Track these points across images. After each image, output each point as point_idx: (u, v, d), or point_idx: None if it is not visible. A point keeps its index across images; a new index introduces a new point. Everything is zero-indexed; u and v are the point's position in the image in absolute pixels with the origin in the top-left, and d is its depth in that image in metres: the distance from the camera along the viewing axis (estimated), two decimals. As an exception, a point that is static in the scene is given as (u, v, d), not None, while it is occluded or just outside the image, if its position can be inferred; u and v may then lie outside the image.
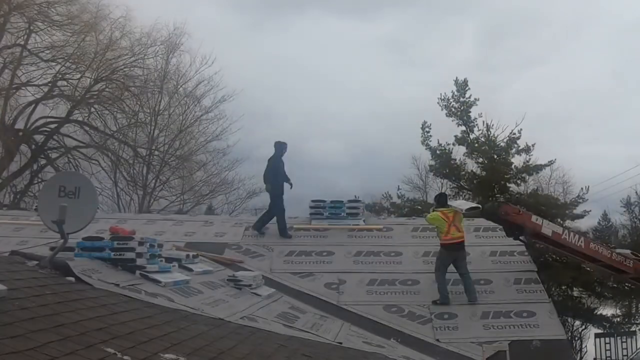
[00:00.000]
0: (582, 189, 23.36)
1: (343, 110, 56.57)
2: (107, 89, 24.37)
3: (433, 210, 10.69)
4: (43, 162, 24.57)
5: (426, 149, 23.97)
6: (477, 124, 23.53)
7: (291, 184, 12.12)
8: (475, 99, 23.41)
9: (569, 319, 24.90)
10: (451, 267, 10.03)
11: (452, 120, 23.76)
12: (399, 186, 27.93)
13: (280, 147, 12.16)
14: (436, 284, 9.93)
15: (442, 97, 23.78)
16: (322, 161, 53.40)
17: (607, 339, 22.71)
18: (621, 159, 60.26)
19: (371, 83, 59.20)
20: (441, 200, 10.96)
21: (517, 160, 23.35)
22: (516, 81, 58.80)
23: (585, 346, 27.37)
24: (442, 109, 23.82)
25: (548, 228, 10.70)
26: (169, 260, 8.06)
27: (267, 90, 54.78)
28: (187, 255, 8.80)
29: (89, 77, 23.84)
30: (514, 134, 22.92)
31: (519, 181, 23.56)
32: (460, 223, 10.22)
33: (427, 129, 23.80)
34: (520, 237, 10.94)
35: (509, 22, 62.71)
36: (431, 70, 60.87)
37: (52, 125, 24.55)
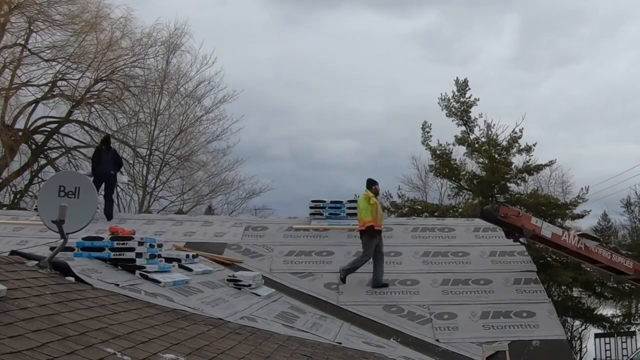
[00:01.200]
0: (582, 189, 23.41)
1: (364, 108, 56.10)
2: (107, 89, 24.39)
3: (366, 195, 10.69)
4: (43, 162, 24.59)
5: (426, 149, 24.01)
6: (477, 124, 23.57)
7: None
8: (475, 99, 23.46)
9: (569, 319, 24.94)
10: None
11: (452, 121, 23.81)
12: (399, 186, 27.97)
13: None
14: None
15: (443, 97, 23.82)
16: (336, 160, 53.11)
17: (607, 339, 22.75)
18: (632, 159, 60.44)
19: (398, 79, 59.02)
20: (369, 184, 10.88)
21: (517, 160, 23.39)
22: (549, 78, 58.96)
23: (585, 346, 27.41)
24: (442, 109, 23.87)
25: (547, 230, 10.70)
26: (168, 260, 8.07)
27: (287, 85, 54.69)
28: (187, 255, 8.80)
29: (89, 77, 23.88)
30: (515, 133, 22.95)
31: (519, 181, 23.59)
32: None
33: (427, 129, 23.83)
34: (520, 239, 10.94)
35: (549, 17, 62.24)
36: (464, 67, 60.43)
37: (52, 125, 24.56)
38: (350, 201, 12.93)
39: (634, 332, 23.09)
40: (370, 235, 10.17)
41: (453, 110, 23.69)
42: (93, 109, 24.37)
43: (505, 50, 60.05)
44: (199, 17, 48.77)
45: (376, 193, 10.74)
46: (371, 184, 10.77)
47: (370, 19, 61.93)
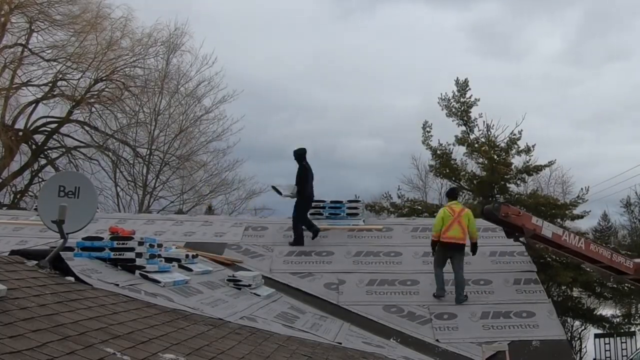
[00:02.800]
0: (582, 189, 23.42)
1: (398, 104, 55.68)
2: (107, 89, 24.42)
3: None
4: (43, 162, 24.62)
5: (426, 148, 24.01)
6: (477, 124, 23.57)
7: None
8: (475, 99, 23.46)
9: (569, 319, 24.94)
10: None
11: (453, 121, 23.82)
12: (399, 186, 27.99)
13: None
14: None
15: (443, 97, 23.83)
16: (355, 159, 52.42)
17: (607, 339, 22.74)
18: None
19: (440, 74, 57.65)
20: (452, 194, 11.12)
21: (517, 161, 23.40)
22: (599, 75, 58.87)
23: (585, 346, 27.41)
24: (442, 109, 23.87)
25: (548, 229, 10.70)
26: (168, 260, 8.07)
27: (320, 80, 54.22)
28: (187, 256, 8.80)
29: (89, 77, 23.92)
30: (514, 134, 22.96)
31: (518, 181, 23.60)
32: (466, 221, 9.98)
33: (427, 129, 23.84)
34: (520, 239, 10.94)
35: (611, 12, 61.58)
36: (516, 63, 59.82)
37: (53, 125, 24.58)
38: (350, 201, 12.92)
39: (634, 332, 23.11)
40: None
41: (453, 110, 23.69)
42: (93, 109, 24.42)
43: (559, 45, 59.67)
44: (241, 8, 48.60)
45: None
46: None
47: (424, 11, 61.66)
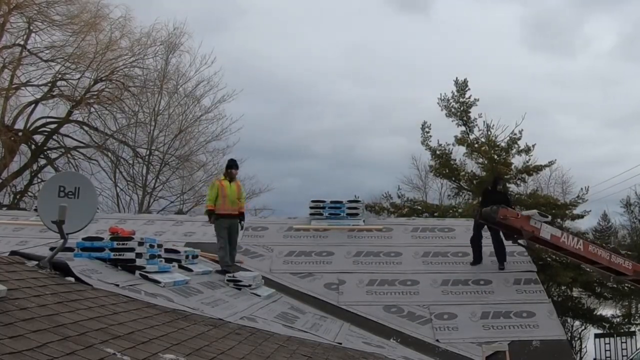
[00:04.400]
0: (581, 189, 23.37)
1: (427, 100, 54.17)
2: (106, 89, 24.39)
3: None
4: (43, 162, 24.59)
5: (426, 149, 23.98)
6: (477, 124, 23.55)
7: None
8: (475, 99, 23.44)
9: (569, 319, 24.92)
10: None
11: (452, 121, 23.79)
12: (399, 186, 27.91)
13: None
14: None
15: (442, 97, 23.80)
16: (373, 158, 51.43)
17: (607, 339, 22.73)
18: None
19: (480, 68, 55.78)
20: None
21: (517, 161, 23.38)
22: None
23: (585, 346, 27.40)
24: (441, 109, 23.85)
25: (546, 231, 10.68)
26: (168, 260, 8.07)
27: (353, 76, 53.51)
28: (187, 256, 8.80)
29: (88, 77, 23.88)
30: (514, 134, 22.95)
31: (518, 182, 23.58)
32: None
33: (427, 129, 23.82)
34: (519, 241, 10.92)
35: None
36: (568, 59, 58.33)
37: (52, 125, 24.55)
38: (350, 201, 12.92)
39: (634, 332, 23.08)
40: None
41: (453, 110, 23.67)
42: (92, 109, 24.38)
43: (613, 42, 58.54)
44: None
45: None
46: None
47: (480, 6, 59.96)
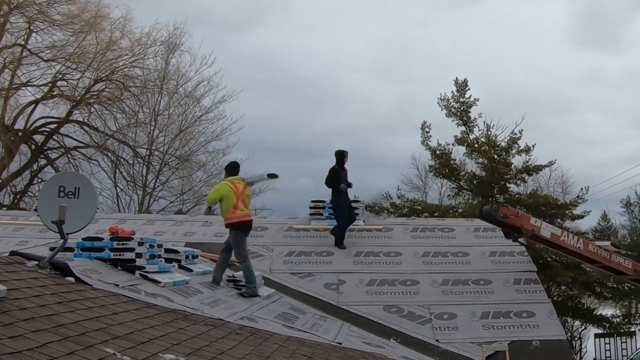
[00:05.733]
0: (581, 189, 23.40)
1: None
2: (107, 89, 24.38)
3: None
4: (43, 162, 24.59)
5: (426, 149, 23.99)
6: (477, 124, 23.56)
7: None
8: (475, 99, 23.45)
9: (569, 319, 24.92)
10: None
11: (452, 121, 23.80)
12: (398, 186, 27.92)
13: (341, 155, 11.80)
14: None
15: (442, 97, 23.82)
16: (385, 158, 51.03)
17: (607, 339, 22.72)
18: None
19: (516, 65, 55.67)
20: (232, 168, 9.06)
21: (517, 161, 23.38)
22: None
23: (585, 346, 27.41)
24: (441, 109, 23.86)
25: (547, 230, 10.68)
26: (168, 260, 8.07)
27: (383, 72, 52.95)
28: (187, 256, 8.80)
29: (88, 77, 23.85)
30: (514, 134, 22.95)
31: (518, 181, 23.58)
32: (248, 199, 8.74)
33: (427, 129, 23.83)
34: (519, 239, 10.93)
35: None
36: (616, 56, 57.84)
37: (52, 126, 24.54)
38: (350, 201, 12.89)
39: (634, 332, 23.06)
40: None
41: (453, 110, 23.68)
42: (93, 109, 24.37)
43: None
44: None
45: None
46: None
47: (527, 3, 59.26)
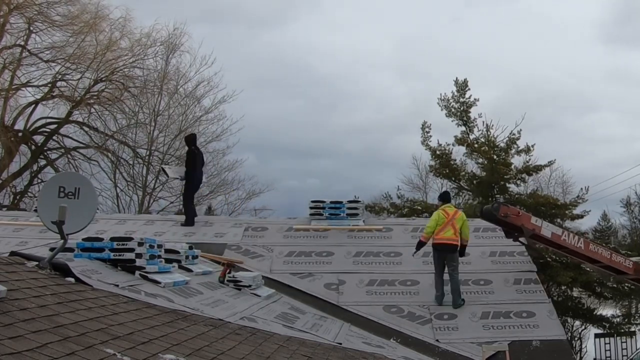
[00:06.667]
0: (581, 189, 23.41)
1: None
2: (106, 90, 24.40)
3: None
4: (43, 162, 24.60)
5: (426, 149, 24.00)
6: (477, 124, 23.57)
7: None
8: (475, 99, 23.46)
9: (569, 319, 24.91)
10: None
11: (452, 121, 23.81)
12: (398, 186, 27.95)
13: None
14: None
15: (442, 97, 23.83)
16: (395, 158, 51.26)
17: (607, 339, 22.70)
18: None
19: (540, 64, 55.32)
20: (445, 197, 11.06)
21: (517, 161, 23.39)
22: None
23: (585, 346, 27.38)
24: (441, 109, 23.87)
25: (547, 229, 10.69)
26: (168, 260, 8.07)
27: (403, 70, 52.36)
28: (187, 256, 8.80)
29: (88, 78, 23.88)
30: (514, 134, 22.96)
31: (518, 182, 23.58)
32: (459, 224, 10.01)
33: (427, 129, 23.84)
34: (520, 239, 10.93)
35: None
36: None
37: (52, 126, 24.56)
38: (350, 201, 12.92)
39: (634, 332, 23.04)
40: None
41: (453, 110, 23.69)
42: (92, 110, 24.39)
43: None
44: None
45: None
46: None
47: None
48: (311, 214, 12.63)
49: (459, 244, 9.97)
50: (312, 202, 12.76)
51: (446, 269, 9.89)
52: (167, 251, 8.27)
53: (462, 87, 23.55)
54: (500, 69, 56.03)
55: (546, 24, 58.18)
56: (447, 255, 9.88)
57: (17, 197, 23.81)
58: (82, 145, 24.70)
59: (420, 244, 10.14)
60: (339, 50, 52.96)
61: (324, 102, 50.65)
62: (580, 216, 23.69)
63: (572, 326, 26.63)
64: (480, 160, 23.22)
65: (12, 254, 6.08)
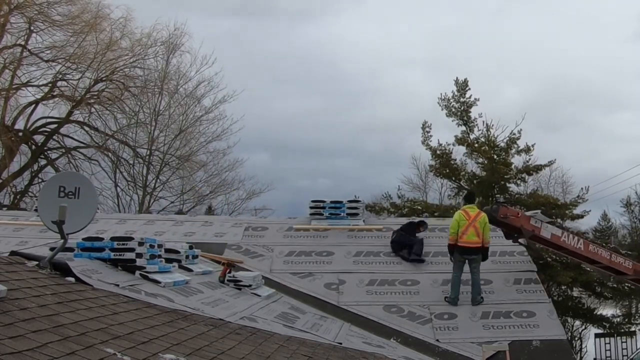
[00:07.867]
0: (582, 189, 23.44)
1: (495, 97, 51.14)
2: (107, 89, 24.39)
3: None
4: (43, 162, 24.60)
5: (426, 149, 24.01)
6: (477, 124, 23.57)
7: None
8: (475, 99, 23.46)
9: (569, 319, 24.92)
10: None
11: (452, 121, 23.81)
12: (399, 186, 28.00)
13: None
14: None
15: (442, 97, 23.83)
16: (403, 159, 50.50)
17: (607, 339, 22.72)
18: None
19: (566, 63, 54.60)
20: (469, 197, 11.01)
21: (517, 161, 23.40)
22: None
23: (585, 346, 27.40)
24: (442, 109, 23.88)
25: (547, 230, 10.68)
26: (168, 260, 8.08)
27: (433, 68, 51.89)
28: (187, 256, 8.81)
29: (89, 78, 23.88)
30: (514, 134, 22.96)
31: (518, 181, 23.59)
32: (481, 226, 9.89)
33: (427, 129, 23.84)
34: (519, 240, 10.92)
35: None
36: None
37: (52, 126, 24.56)
38: (350, 201, 12.92)
39: (634, 332, 23.06)
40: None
41: (453, 110, 23.69)
42: (93, 110, 24.39)
43: None
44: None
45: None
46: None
47: None
48: (311, 214, 12.63)
49: (481, 245, 9.91)
50: (312, 201, 12.76)
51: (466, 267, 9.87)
52: (168, 251, 8.28)
53: (462, 86, 23.56)
54: (535, 62, 55.24)
55: (580, 19, 57.29)
56: (470, 257, 9.86)
57: (18, 197, 23.81)
58: (82, 145, 24.72)
59: (451, 247, 10.03)
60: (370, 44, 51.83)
61: (343, 100, 50.24)
62: (581, 216, 23.71)
63: (572, 326, 26.65)
64: (481, 160, 23.22)
65: (12, 253, 6.09)
